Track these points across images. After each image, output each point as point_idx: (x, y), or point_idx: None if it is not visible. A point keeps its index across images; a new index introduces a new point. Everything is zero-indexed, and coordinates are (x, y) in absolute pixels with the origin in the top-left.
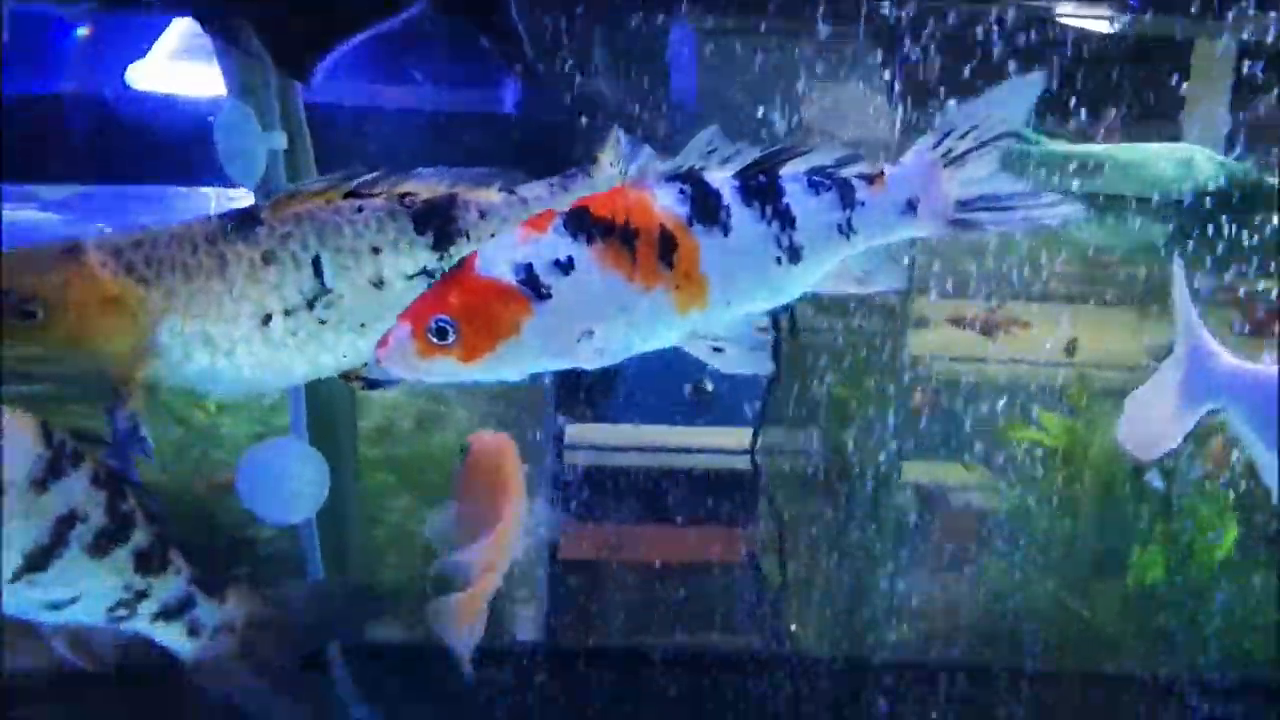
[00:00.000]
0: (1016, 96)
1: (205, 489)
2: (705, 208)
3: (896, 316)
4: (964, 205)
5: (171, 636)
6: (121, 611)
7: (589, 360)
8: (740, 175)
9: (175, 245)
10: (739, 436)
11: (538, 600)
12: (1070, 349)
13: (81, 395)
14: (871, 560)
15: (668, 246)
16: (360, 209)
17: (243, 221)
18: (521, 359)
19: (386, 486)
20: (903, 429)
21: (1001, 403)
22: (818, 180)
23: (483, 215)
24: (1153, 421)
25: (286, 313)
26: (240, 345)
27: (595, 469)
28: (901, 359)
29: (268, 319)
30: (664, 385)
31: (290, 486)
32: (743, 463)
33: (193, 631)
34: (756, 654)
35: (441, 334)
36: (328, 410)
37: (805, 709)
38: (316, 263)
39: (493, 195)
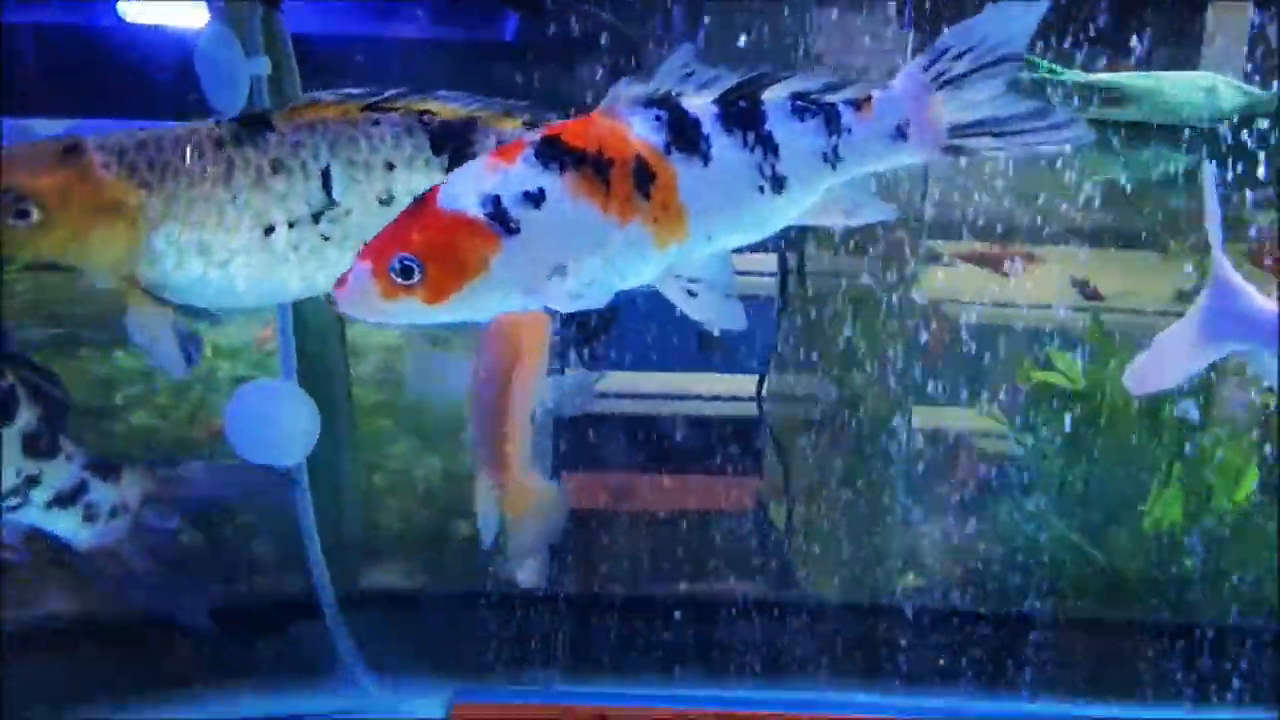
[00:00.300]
0: (1018, 17)
1: (205, 434)
2: (683, 135)
3: (908, 254)
4: (958, 130)
5: (67, 525)
6: (13, 500)
7: (561, 300)
8: (720, 101)
9: (181, 147)
10: (747, 383)
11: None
12: (1087, 291)
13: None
14: (880, 505)
15: (644, 177)
16: (377, 122)
17: (254, 126)
18: (490, 298)
19: (385, 432)
20: (914, 371)
21: (1016, 345)
22: (802, 106)
23: (500, 144)
24: (1164, 357)
25: (290, 225)
26: (238, 256)
27: (597, 416)
28: (912, 299)
29: (270, 230)
30: (674, 331)
31: (279, 429)
32: (751, 409)
33: (89, 518)
34: (763, 600)
35: (405, 273)
36: (319, 352)
37: (812, 653)
38: (326, 174)
39: (514, 125)
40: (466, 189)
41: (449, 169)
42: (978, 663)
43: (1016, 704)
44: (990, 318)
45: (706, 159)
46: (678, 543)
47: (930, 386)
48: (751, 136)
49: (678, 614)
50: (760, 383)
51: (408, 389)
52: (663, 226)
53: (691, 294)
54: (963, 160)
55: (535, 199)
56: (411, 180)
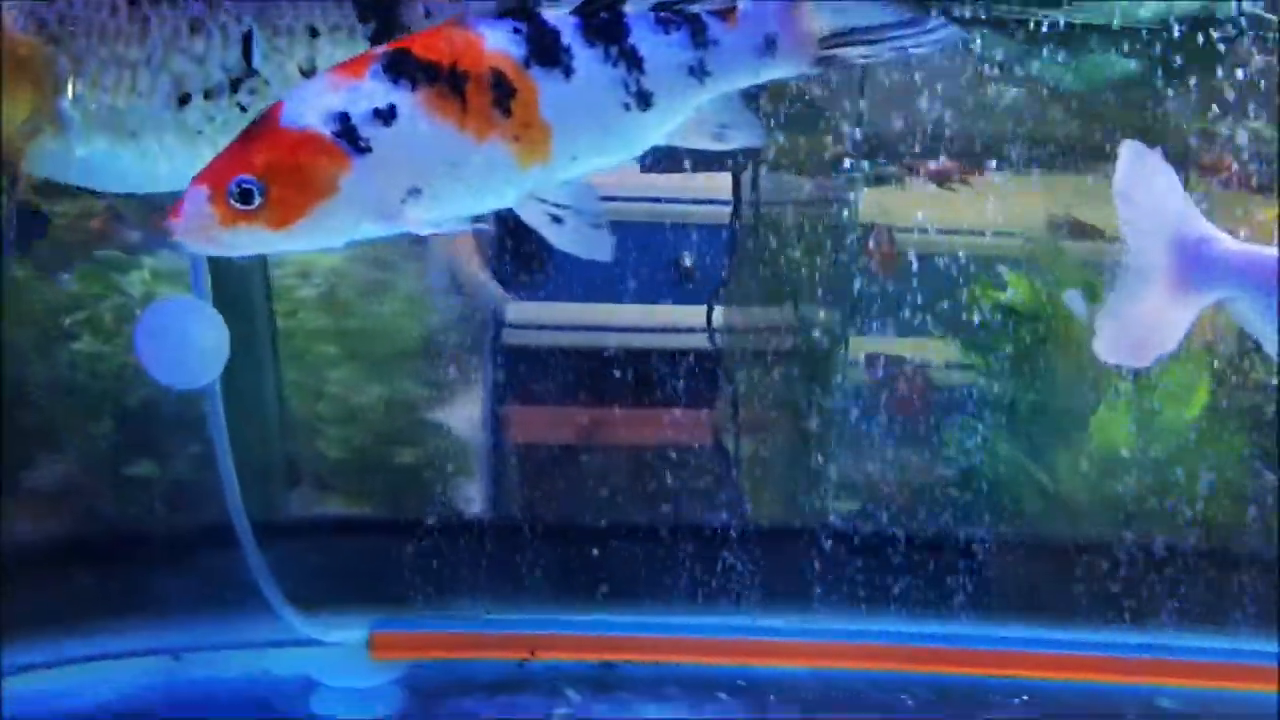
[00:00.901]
0: None
1: None
2: (543, 48)
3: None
4: (828, 41)
5: None
6: None
7: (418, 224)
8: (580, 12)
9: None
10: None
11: (481, 478)
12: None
13: None
14: (827, 432)
15: (503, 91)
16: None
17: None
18: (340, 224)
19: (328, 358)
20: (861, 297)
21: (964, 268)
22: (666, 17)
23: (428, 15)
24: (1141, 325)
25: (206, 95)
26: (150, 128)
27: (544, 349)
28: (857, 222)
29: (185, 100)
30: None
31: (189, 349)
32: (700, 340)
33: None
34: (703, 528)
35: (245, 197)
36: (236, 271)
37: (752, 580)
38: (248, 39)
39: None
40: (312, 105)
41: (373, 40)
42: (922, 587)
43: (961, 627)
44: (940, 245)
45: (569, 73)
46: (624, 475)
47: (878, 311)
48: (615, 50)
49: (617, 543)
50: (709, 313)
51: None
52: (524, 145)
53: (557, 220)
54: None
55: (386, 116)
56: (335, 52)
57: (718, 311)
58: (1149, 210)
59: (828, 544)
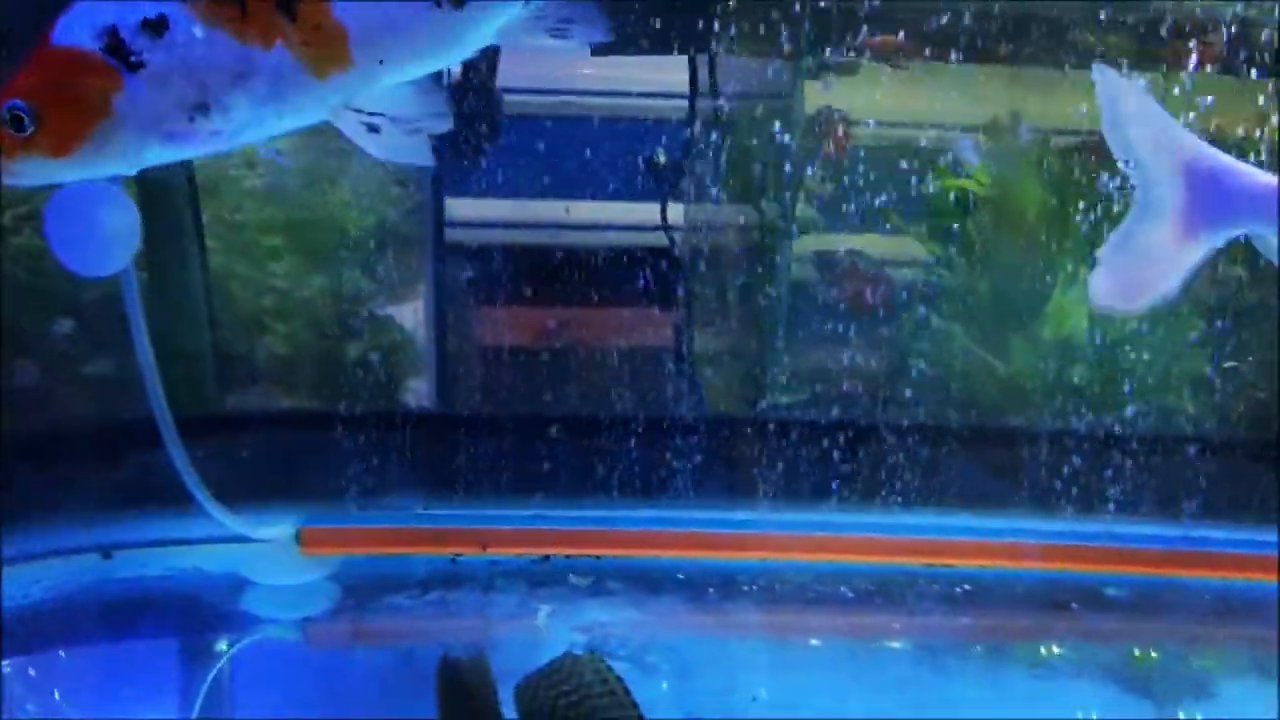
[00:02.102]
0: None
1: None
2: None
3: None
4: None
5: None
6: None
7: (211, 143)
8: None
9: None
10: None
11: (428, 372)
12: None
13: None
14: (779, 326)
15: None
16: None
17: None
18: (124, 146)
19: (273, 250)
20: (813, 186)
21: (916, 159)
22: None
23: None
24: (1143, 267)
25: None
26: None
27: (491, 246)
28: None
29: None
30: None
31: (98, 235)
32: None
33: None
34: (659, 419)
35: (16, 123)
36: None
37: (703, 472)
38: None
39: None
40: (81, 21)
41: None
42: (868, 477)
43: (905, 517)
44: (887, 136)
45: None
46: (578, 370)
47: (834, 203)
48: None
49: (577, 435)
50: (663, 209)
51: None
52: (318, 51)
53: (373, 129)
54: None
55: (156, 27)
56: None
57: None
58: (1148, 144)
59: (773, 436)
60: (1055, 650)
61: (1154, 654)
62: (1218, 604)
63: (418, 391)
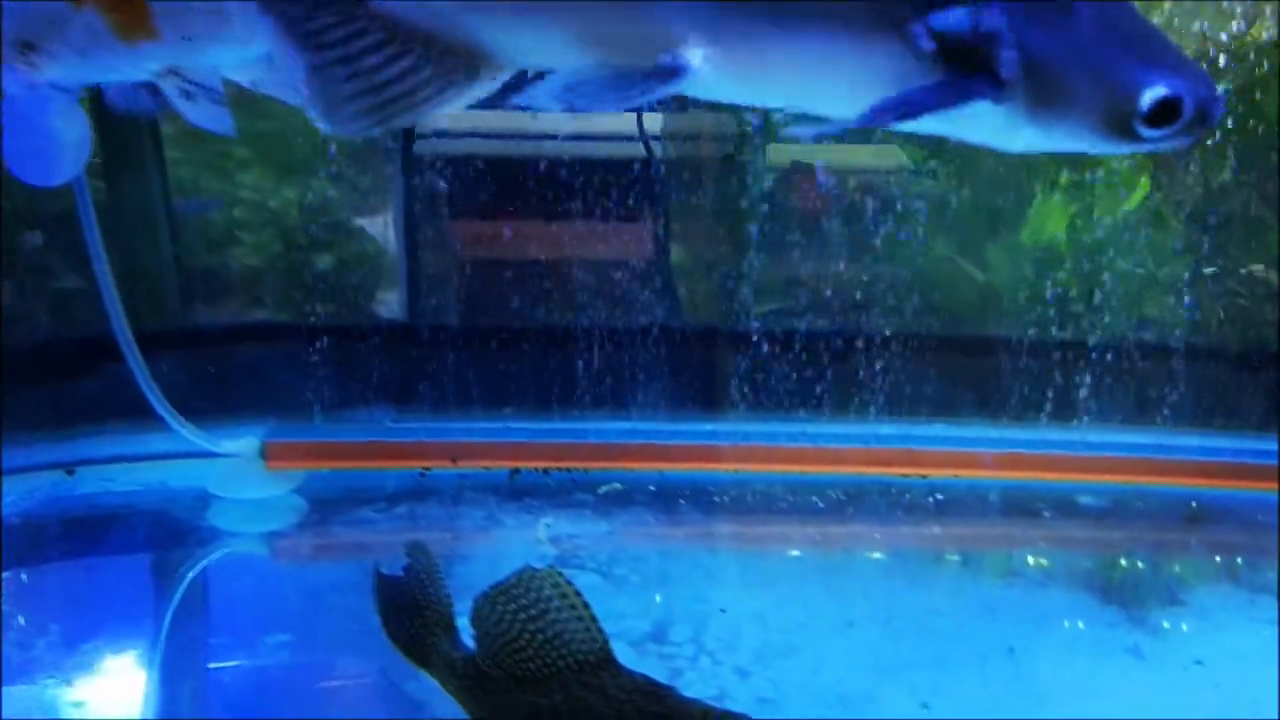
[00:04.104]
0: None
1: None
2: None
3: None
4: None
5: None
6: None
7: (38, 78)
8: None
9: None
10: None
11: (400, 282)
12: None
13: None
14: (760, 236)
15: None
16: None
17: None
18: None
19: (240, 161)
20: None
21: None
22: None
23: None
24: None
25: None
26: None
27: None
28: None
29: None
30: None
31: (47, 145)
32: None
33: None
34: (636, 330)
35: None
36: None
37: (678, 382)
38: None
39: None
40: None
41: None
42: (848, 385)
43: (878, 426)
44: None
45: None
46: (550, 282)
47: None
48: None
49: (552, 346)
50: (639, 120)
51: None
52: (121, 18)
53: (188, 95)
54: None
55: None
56: None
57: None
58: None
59: (745, 347)
60: (1028, 559)
61: (1124, 562)
62: (1189, 511)
63: (387, 303)
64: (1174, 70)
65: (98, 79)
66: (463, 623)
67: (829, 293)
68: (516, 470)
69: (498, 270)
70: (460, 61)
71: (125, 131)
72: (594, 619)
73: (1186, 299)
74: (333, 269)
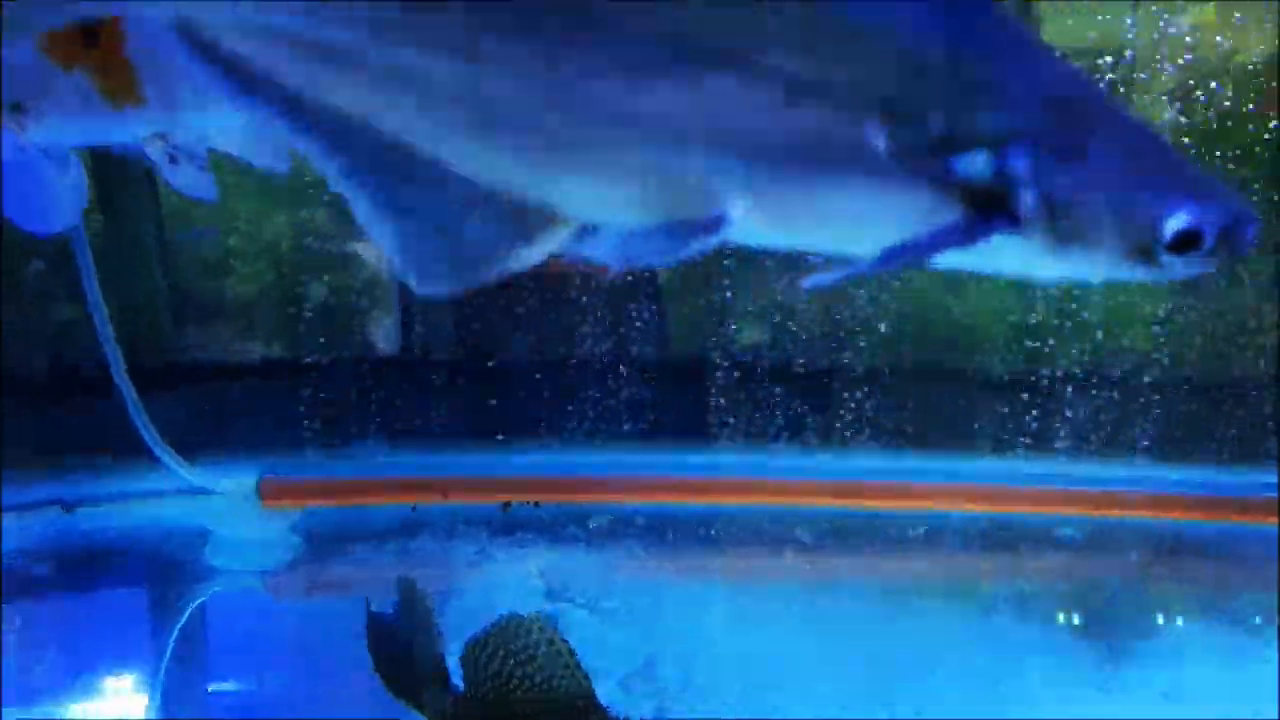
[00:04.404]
0: None
1: None
2: None
3: None
4: None
5: None
6: None
7: (33, 136)
8: None
9: None
10: None
11: (393, 312)
12: None
13: None
14: (739, 267)
15: (88, 23)
16: None
17: None
18: None
19: (235, 189)
20: None
21: None
22: None
23: None
24: None
25: None
26: None
27: None
28: None
29: None
30: None
31: (45, 195)
32: None
33: None
34: (623, 360)
35: None
36: None
37: (657, 414)
38: None
39: None
40: None
41: None
42: (822, 419)
43: (859, 459)
44: None
45: None
46: (540, 313)
47: None
48: None
49: (539, 375)
50: None
51: None
52: (108, 82)
53: (172, 160)
54: None
55: None
56: None
57: None
58: None
59: (729, 378)
60: (1005, 591)
61: (1099, 593)
62: (1163, 543)
63: (382, 332)
64: (1196, 199)
65: (84, 142)
66: (453, 662)
67: (808, 325)
68: (508, 504)
69: (491, 299)
70: (535, 220)
71: (120, 164)
72: (579, 665)
73: (1157, 333)
74: (326, 298)
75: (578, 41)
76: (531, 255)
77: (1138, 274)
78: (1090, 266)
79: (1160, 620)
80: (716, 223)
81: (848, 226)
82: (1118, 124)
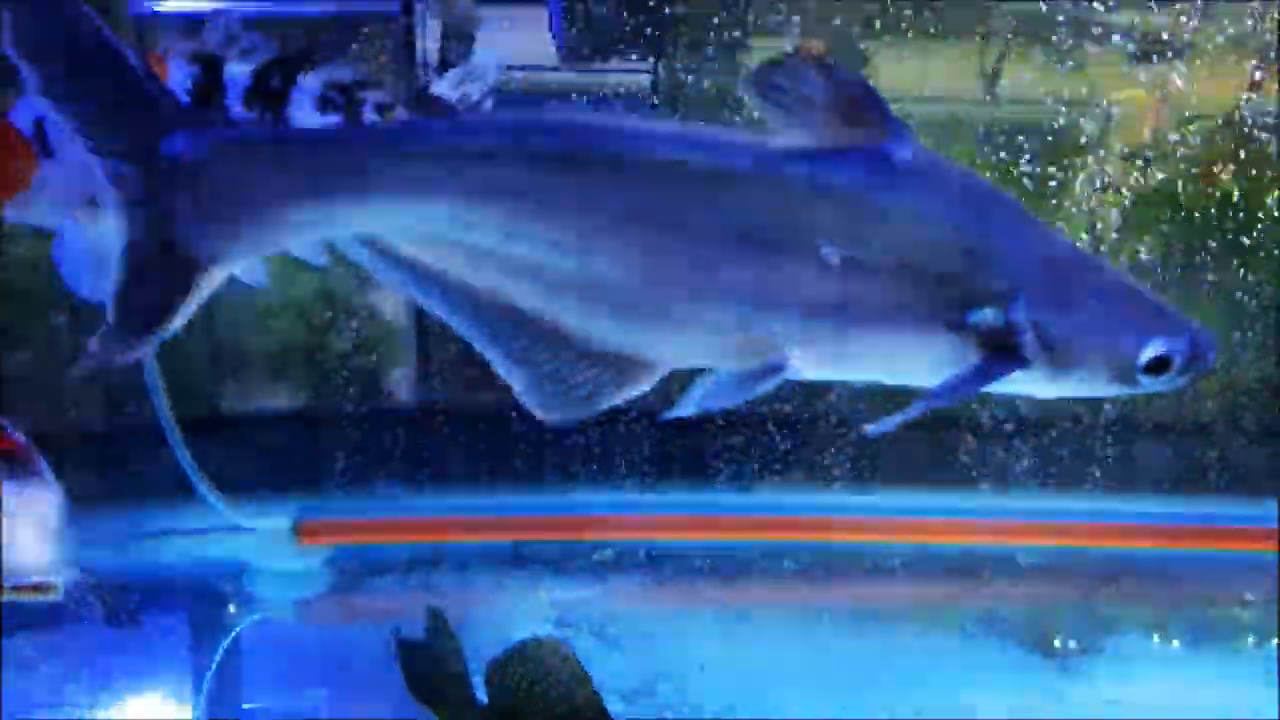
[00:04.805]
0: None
1: None
2: (206, 95)
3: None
4: None
5: None
6: None
7: (94, 226)
8: (255, 74)
9: None
10: None
11: (408, 363)
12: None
13: None
14: None
15: None
16: None
17: None
18: (39, 210)
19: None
20: None
21: None
22: (330, 96)
23: None
24: None
25: None
26: None
27: None
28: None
29: None
30: None
31: (102, 265)
32: None
33: None
34: (623, 411)
35: None
36: None
37: (653, 461)
38: None
39: None
40: (26, 108)
41: None
42: (813, 458)
43: (838, 496)
44: None
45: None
46: None
47: None
48: (274, 113)
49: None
50: None
51: None
52: None
53: None
54: None
55: None
56: None
57: None
58: None
59: (722, 427)
60: (969, 614)
61: (1054, 615)
62: (1113, 569)
63: (402, 382)
64: (1166, 333)
65: None
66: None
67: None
68: (519, 541)
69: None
70: (632, 367)
71: None
72: (592, 685)
73: None
74: (350, 353)
75: (667, 235)
76: (630, 394)
77: (1121, 392)
78: (1082, 388)
79: (1107, 638)
80: (777, 368)
81: (883, 367)
82: (1098, 274)
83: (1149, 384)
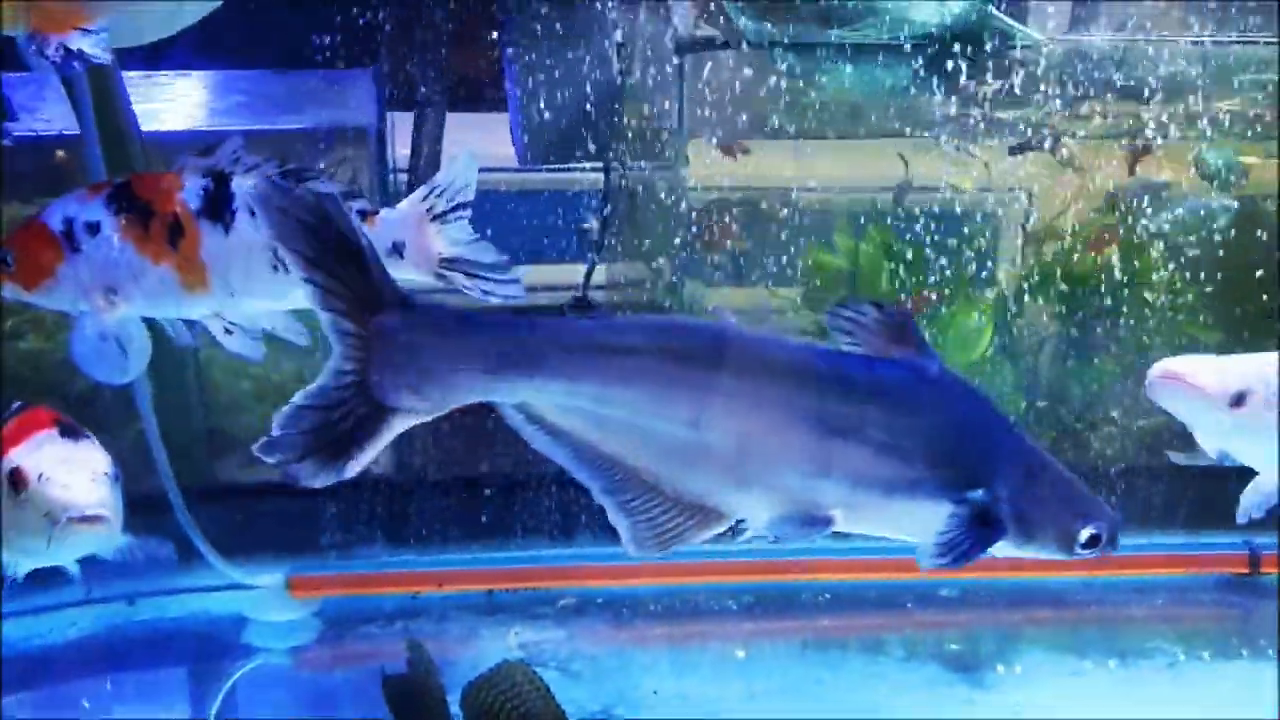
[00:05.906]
0: (467, 169)
1: None
2: (214, 206)
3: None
4: (446, 262)
5: None
6: None
7: (113, 315)
8: (256, 186)
9: None
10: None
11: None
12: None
13: None
14: None
15: (176, 231)
16: None
17: None
18: (61, 298)
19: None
20: (701, 259)
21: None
22: None
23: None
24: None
25: None
26: None
27: None
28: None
29: None
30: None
31: (116, 354)
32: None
33: None
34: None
35: (3, 262)
36: None
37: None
38: None
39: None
40: (60, 209)
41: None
42: None
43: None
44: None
45: (228, 229)
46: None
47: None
48: None
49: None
50: (588, 273)
51: None
52: (187, 275)
53: (227, 331)
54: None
55: (93, 228)
56: None
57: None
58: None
59: None
60: (895, 640)
61: (970, 639)
62: (1021, 597)
63: (384, 453)
64: (1097, 515)
65: (157, 316)
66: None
67: None
68: (491, 591)
69: (471, 428)
70: (710, 516)
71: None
72: (553, 698)
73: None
74: None
75: (754, 417)
76: (704, 537)
77: (1061, 557)
78: (1034, 553)
79: (1017, 655)
80: (827, 522)
81: (894, 525)
82: (1049, 467)
83: (1081, 554)
